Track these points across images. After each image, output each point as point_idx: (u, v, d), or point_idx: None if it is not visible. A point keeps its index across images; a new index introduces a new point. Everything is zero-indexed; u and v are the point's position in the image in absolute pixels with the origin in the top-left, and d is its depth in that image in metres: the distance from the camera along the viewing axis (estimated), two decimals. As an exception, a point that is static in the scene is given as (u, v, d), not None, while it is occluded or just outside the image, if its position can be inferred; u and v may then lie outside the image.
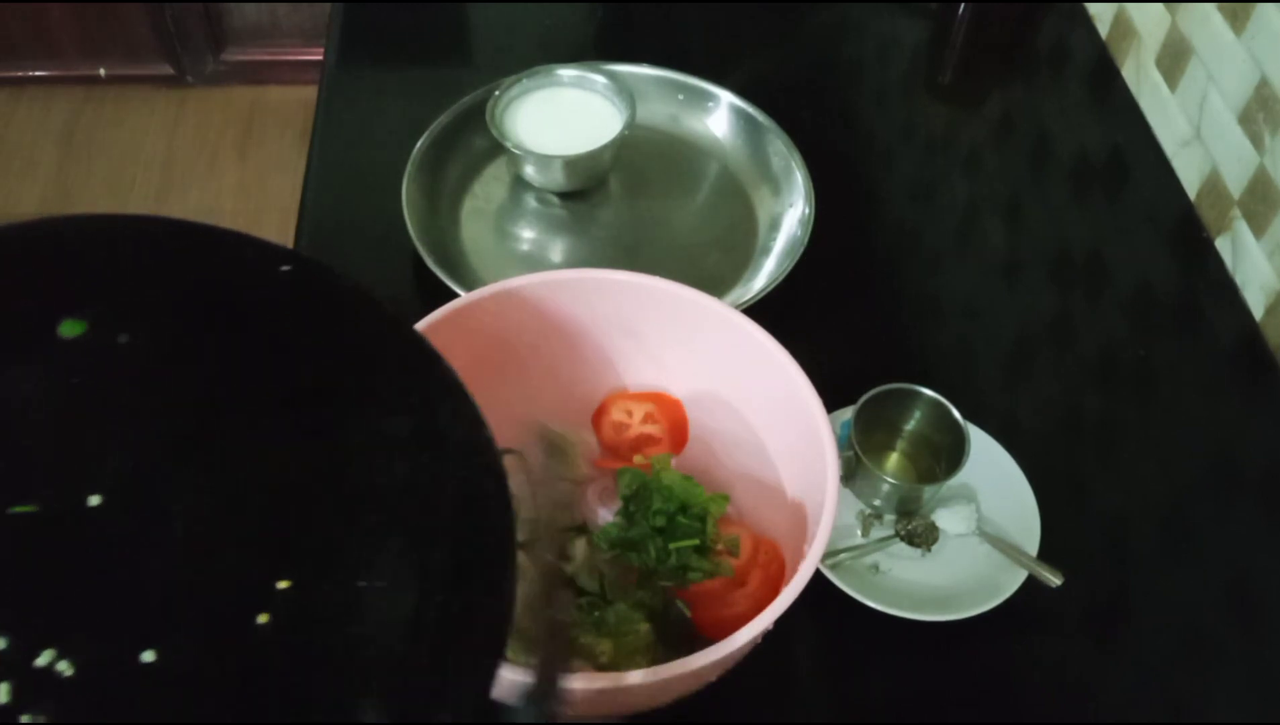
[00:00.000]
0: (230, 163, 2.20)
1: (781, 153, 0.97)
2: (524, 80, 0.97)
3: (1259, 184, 0.90)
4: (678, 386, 0.75)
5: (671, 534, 0.68)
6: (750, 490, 0.73)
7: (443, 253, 0.89)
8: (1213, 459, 0.83)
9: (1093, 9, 1.17)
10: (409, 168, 0.93)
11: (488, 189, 0.98)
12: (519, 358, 0.72)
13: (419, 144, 0.95)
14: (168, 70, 2.30)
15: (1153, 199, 1.01)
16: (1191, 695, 0.71)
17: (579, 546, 0.71)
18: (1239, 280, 0.93)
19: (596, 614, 0.67)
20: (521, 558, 0.70)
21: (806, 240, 0.90)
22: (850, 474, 0.78)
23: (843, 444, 0.78)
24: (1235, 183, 0.93)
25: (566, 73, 0.98)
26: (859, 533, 0.77)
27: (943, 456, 0.78)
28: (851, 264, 0.95)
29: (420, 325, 0.65)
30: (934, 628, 0.71)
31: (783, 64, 1.14)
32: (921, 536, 0.76)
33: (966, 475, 0.76)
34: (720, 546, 0.69)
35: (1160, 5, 1.03)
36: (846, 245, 0.96)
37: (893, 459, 0.81)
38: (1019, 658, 0.72)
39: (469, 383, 0.67)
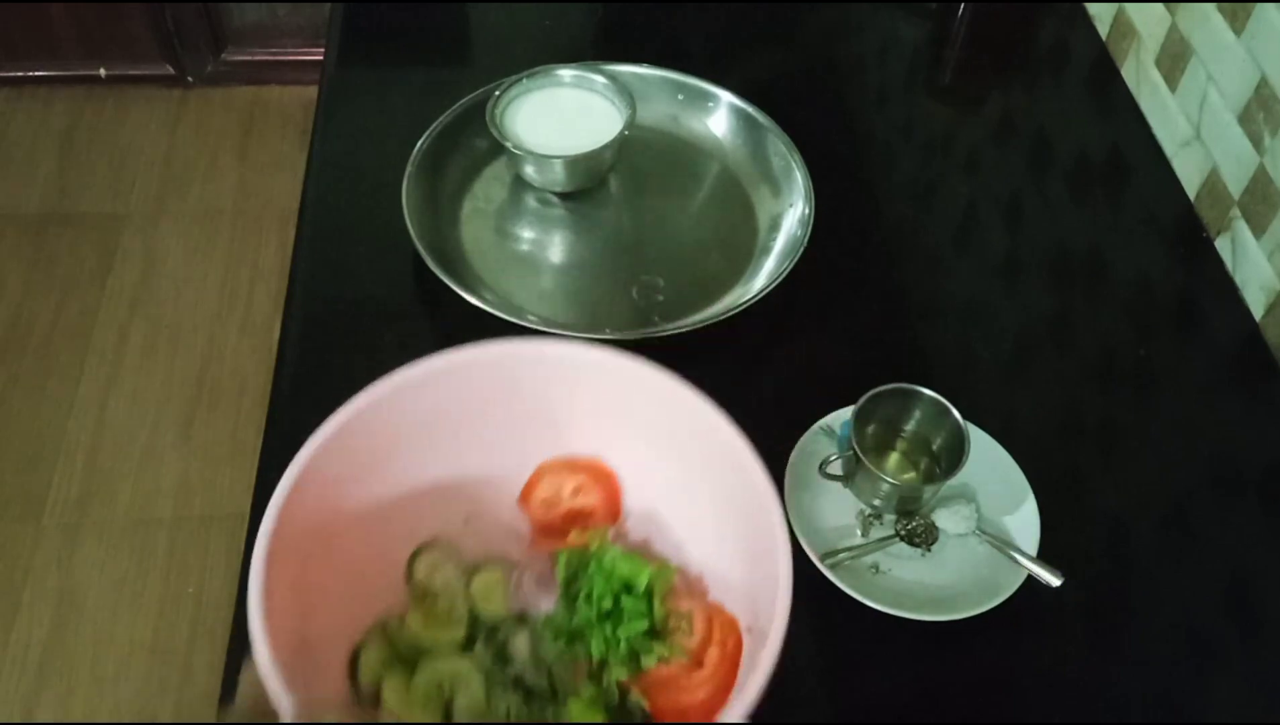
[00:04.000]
0: (230, 163, 2.20)
1: (781, 153, 0.97)
2: (524, 80, 0.97)
3: (1259, 184, 0.90)
4: (614, 454, 0.70)
5: (618, 618, 0.64)
6: (697, 556, 0.68)
7: (443, 253, 0.89)
8: (1213, 459, 0.83)
9: (1093, 9, 1.17)
10: (409, 168, 0.93)
11: (488, 189, 0.98)
12: (446, 437, 0.67)
13: (419, 144, 0.95)
14: (168, 70, 2.30)
15: (1153, 199, 1.01)
16: (1191, 695, 0.71)
17: (520, 641, 0.65)
18: (1239, 280, 0.93)
19: (551, 712, 0.62)
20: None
21: (806, 240, 0.90)
22: (850, 474, 0.78)
23: (843, 444, 0.78)
24: (1235, 183, 0.93)
25: (566, 73, 0.98)
26: (859, 533, 0.77)
27: (942, 456, 0.78)
28: (851, 264, 0.95)
29: (338, 415, 0.61)
30: (934, 628, 0.71)
31: (783, 64, 1.14)
32: (921, 536, 0.76)
33: (966, 475, 0.76)
34: (672, 624, 0.64)
35: (1160, 5, 1.03)
36: (846, 245, 0.96)
37: (893, 459, 0.81)
38: (1019, 658, 0.72)
39: (391, 468, 0.65)
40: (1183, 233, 0.98)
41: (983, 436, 0.79)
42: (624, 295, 0.90)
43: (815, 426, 0.80)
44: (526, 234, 0.95)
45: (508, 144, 0.92)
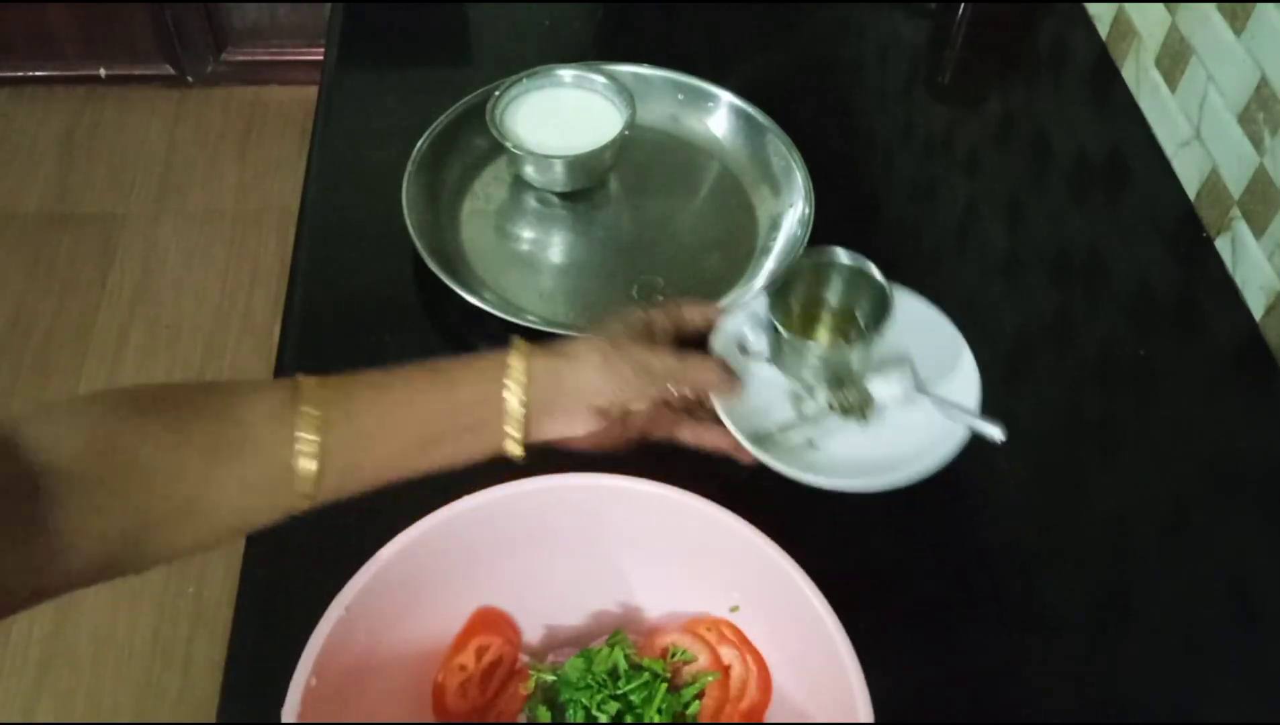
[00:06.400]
0: (230, 163, 2.20)
1: (781, 153, 0.97)
2: (524, 80, 0.97)
3: (1259, 184, 0.90)
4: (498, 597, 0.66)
5: (639, 704, 0.61)
6: (637, 603, 0.67)
7: (443, 253, 0.89)
8: (1213, 459, 0.83)
9: (1093, 9, 1.17)
10: (409, 168, 0.93)
11: (488, 189, 0.98)
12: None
13: (419, 144, 0.95)
14: (168, 70, 2.30)
15: (1153, 199, 1.01)
16: (1191, 695, 0.71)
17: None
18: (1239, 280, 0.93)
19: None
20: None
21: (806, 240, 0.90)
22: (776, 352, 0.73)
23: (764, 324, 0.74)
24: (1235, 183, 0.93)
25: (566, 73, 0.98)
26: (791, 413, 0.73)
27: (870, 322, 0.73)
28: (851, 264, 0.95)
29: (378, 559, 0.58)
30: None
31: (783, 64, 1.14)
32: (856, 406, 0.72)
33: (899, 339, 0.72)
34: (673, 666, 0.64)
35: (1160, 5, 1.03)
36: (846, 245, 0.95)
37: (819, 334, 0.76)
38: (1018, 657, 0.72)
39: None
40: (1183, 233, 0.98)
41: (910, 297, 0.75)
42: (624, 295, 0.90)
43: (737, 313, 0.75)
44: (526, 234, 0.95)
45: (508, 144, 0.92)
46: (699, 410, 0.70)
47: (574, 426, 0.64)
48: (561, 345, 0.64)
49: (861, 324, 0.74)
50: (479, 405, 0.61)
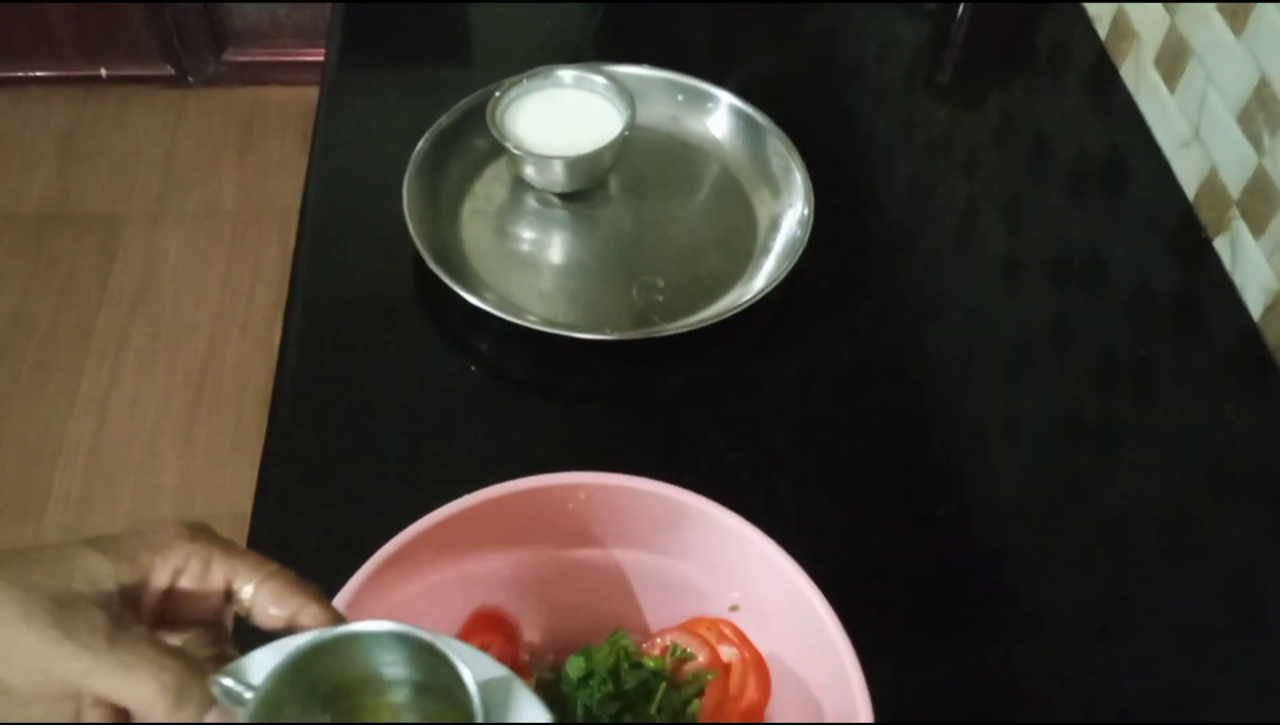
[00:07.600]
0: (231, 163, 2.20)
1: (781, 153, 0.97)
2: (524, 81, 0.97)
3: (1258, 184, 0.90)
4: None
5: (634, 704, 0.60)
6: (637, 603, 0.66)
7: (443, 253, 0.89)
8: (1212, 459, 0.83)
9: (1092, 9, 1.17)
10: (409, 168, 0.93)
11: (488, 189, 0.98)
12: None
13: (419, 144, 0.95)
14: (168, 71, 2.30)
15: (1152, 199, 1.01)
16: (1191, 695, 0.71)
17: None
18: (1238, 280, 0.93)
19: None
20: None
21: (806, 240, 0.90)
22: None
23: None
24: (1234, 183, 0.93)
25: (566, 73, 0.98)
26: None
27: None
28: (851, 264, 0.95)
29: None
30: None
31: (783, 64, 1.14)
32: None
33: None
34: (675, 663, 0.63)
35: (1159, 5, 1.03)
36: (846, 245, 0.96)
37: None
38: (1018, 657, 0.73)
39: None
40: (1182, 233, 0.98)
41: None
42: (624, 295, 0.91)
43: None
44: (526, 234, 0.96)
45: (508, 144, 0.93)
46: None
47: None
48: None
49: None
50: None
